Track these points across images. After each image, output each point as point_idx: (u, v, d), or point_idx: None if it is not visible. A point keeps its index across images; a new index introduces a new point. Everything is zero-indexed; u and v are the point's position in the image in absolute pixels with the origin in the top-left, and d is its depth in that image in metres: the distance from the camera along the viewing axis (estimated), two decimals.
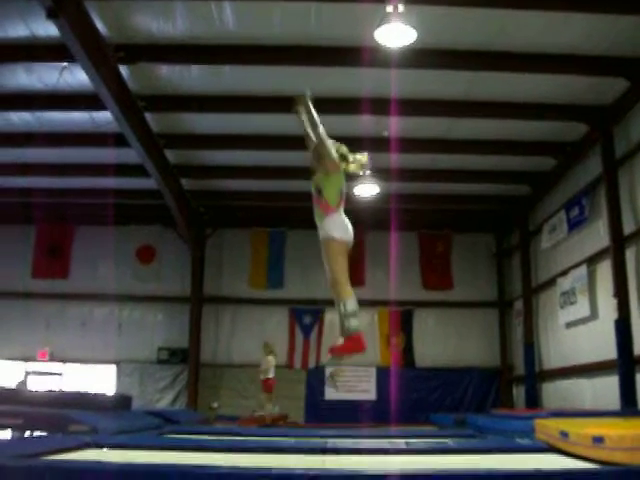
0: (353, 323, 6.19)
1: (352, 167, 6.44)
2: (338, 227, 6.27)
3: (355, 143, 14.58)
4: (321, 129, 6.18)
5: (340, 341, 6.25)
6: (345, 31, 10.98)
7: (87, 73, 11.25)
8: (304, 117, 6.59)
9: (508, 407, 18.73)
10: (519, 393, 19.14)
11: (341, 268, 6.31)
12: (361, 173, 6.75)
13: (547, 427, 8.07)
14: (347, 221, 6.37)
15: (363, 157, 6.49)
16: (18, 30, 10.94)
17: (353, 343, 6.20)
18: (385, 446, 8.13)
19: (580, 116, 13.73)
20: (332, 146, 6.29)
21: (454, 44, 11.35)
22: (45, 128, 14.42)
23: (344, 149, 6.47)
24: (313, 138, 6.43)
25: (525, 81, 12.48)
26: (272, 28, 11.03)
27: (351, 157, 6.42)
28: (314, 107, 6.27)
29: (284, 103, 13.38)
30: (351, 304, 6.21)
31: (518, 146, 15.39)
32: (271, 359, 15.72)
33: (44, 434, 8.97)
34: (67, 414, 9.34)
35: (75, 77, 12.12)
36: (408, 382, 19.35)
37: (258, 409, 16.68)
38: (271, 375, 15.61)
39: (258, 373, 16.07)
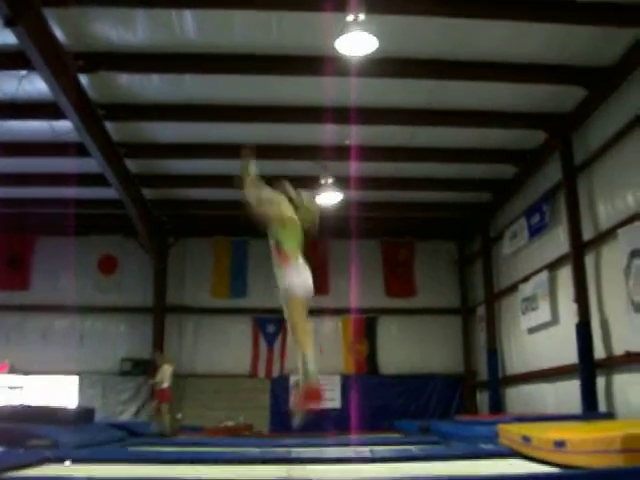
0: (311, 373, 6.12)
1: (306, 218, 6.48)
2: (297, 282, 6.23)
3: (317, 151, 14.77)
4: (266, 192, 6.24)
5: (301, 393, 6.18)
6: (306, 40, 10.99)
7: (46, 82, 11.10)
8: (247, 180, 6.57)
9: (472, 413, 18.85)
10: (483, 399, 19.28)
11: (301, 320, 6.30)
12: (316, 222, 6.73)
13: (510, 432, 8.15)
14: (307, 273, 6.32)
15: (312, 204, 6.52)
16: None
17: (310, 394, 6.12)
18: (350, 455, 8.15)
19: (540, 124, 13.90)
20: (280, 200, 6.30)
21: (416, 53, 11.41)
22: (4, 137, 14.21)
23: (291, 192, 6.47)
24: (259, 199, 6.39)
25: (487, 90, 12.61)
26: (233, 37, 11.00)
27: (301, 197, 6.42)
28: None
29: (245, 112, 13.49)
30: (311, 360, 6.12)
31: (480, 154, 15.53)
32: (167, 367, 15.38)
33: (3, 449, 8.81)
34: (27, 428, 9.21)
35: (34, 86, 11.94)
36: (372, 389, 19.38)
37: (224, 419, 16.62)
38: (166, 385, 15.23)
39: (153, 384, 15.60)
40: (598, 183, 12.66)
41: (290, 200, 6.41)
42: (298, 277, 6.24)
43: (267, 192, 6.27)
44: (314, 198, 6.47)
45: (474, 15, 10.36)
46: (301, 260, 6.33)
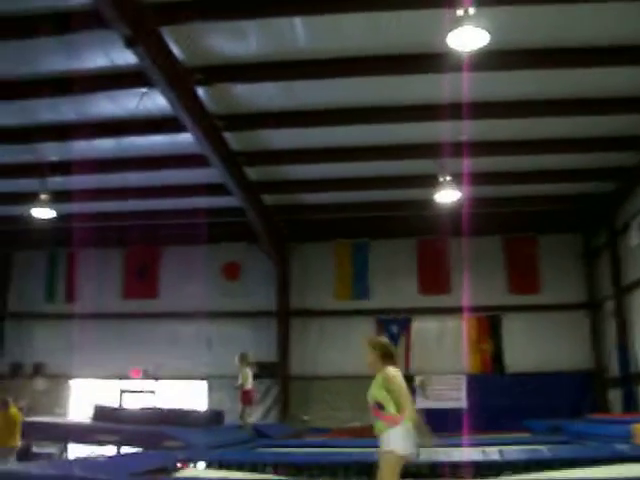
0: None
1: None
2: (400, 440, 6.02)
3: (434, 149, 14.63)
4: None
5: None
6: (416, 38, 10.93)
7: (166, 97, 11.56)
8: None
9: (603, 411, 18.17)
10: (615, 397, 18.54)
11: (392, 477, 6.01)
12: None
13: None
14: (411, 432, 6.08)
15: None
16: (98, 60, 11.31)
17: None
18: (478, 457, 8.04)
19: None
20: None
21: (527, 43, 11.14)
22: (130, 153, 14.86)
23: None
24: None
25: (602, 75, 12.12)
26: (343, 40, 11.07)
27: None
28: None
29: (359, 114, 13.55)
30: None
31: (599, 142, 14.97)
32: (248, 371, 15.26)
33: (140, 450, 9.20)
34: (162, 430, 9.57)
35: (154, 102, 12.44)
36: (499, 388, 19.00)
37: (349, 420, 16.72)
38: (249, 386, 15.09)
39: (236, 387, 15.42)
40: None
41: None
42: (402, 435, 6.04)
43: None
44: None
45: None
46: (409, 422, 6.08)
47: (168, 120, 12.97)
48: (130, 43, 9.90)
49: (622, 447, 8.33)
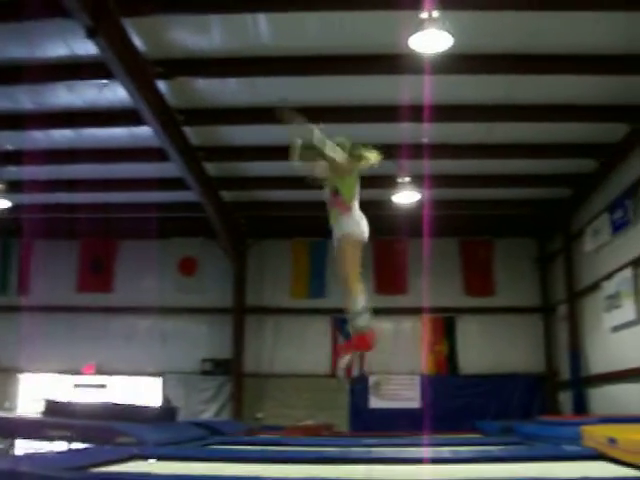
0: (361, 321, 6.27)
1: (362, 165, 6.56)
2: (354, 223, 6.61)
3: (393, 150, 14.71)
4: (322, 139, 6.34)
5: (352, 340, 6.38)
6: (380, 39, 10.98)
7: (126, 89, 11.43)
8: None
9: (555, 413, 18.46)
10: (565, 399, 18.86)
11: (354, 264, 6.68)
12: (371, 163, 6.77)
13: (595, 434, 7.96)
14: (362, 217, 6.71)
15: (373, 155, 6.60)
16: (58, 49, 11.16)
17: (359, 341, 6.28)
18: (431, 455, 8.08)
19: (621, 116, 13.52)
20: (338, 151, 6.40)
21: (490, 48, 11.28)
22: (87, 144, 14.67)
23: (357, 149, 6.58)
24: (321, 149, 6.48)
25: (564, 83, 12.34)
26: (307, 38, 11.09)
27: (364, 152, 6.54)
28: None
29: (320, 113, 13.54)
30: (360, 302, 6.32)
31: (558, 149, 15.23)
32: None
33: (91, 446, 9.08)
34: (113, 426, 9.46)
35: (115, 94, 12.32)
36: (452, 389, 19.22)
37: (303, 419, 16.72)
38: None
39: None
40: None
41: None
42: (355, 219, 6.63)
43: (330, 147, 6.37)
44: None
45: (549, 7, 10.17)
46: (357, 204, 6.69)
47: (128, 112, 12.85)
48: (91, 34, 9.77)
49: (570, 448, 8.45)
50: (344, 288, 6.45)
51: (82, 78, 12.02)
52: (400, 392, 19.32)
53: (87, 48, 10.62)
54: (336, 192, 6.65)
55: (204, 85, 12.68)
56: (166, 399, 15.40)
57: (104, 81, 11.93)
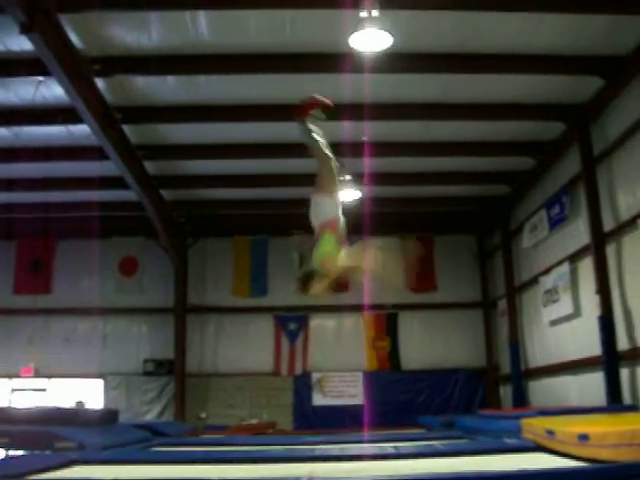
0: None
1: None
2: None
3: (334, 149, 14.70)
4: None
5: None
6: (320, 37, 11.00)
7: (63, 87, 11.18)
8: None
9: (496, 407, 18.78)
10: (506, 392, 19.20)
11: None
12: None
13: (534, 426, 8.13)
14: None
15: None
16: None
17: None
18: (374, 451, 8.15)
19: (557, 115, 13.81)
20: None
21: (430, 47, 11.38)
22: (23, 143, 14.33)
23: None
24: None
25: (501, 82, 12.54)
26: (247, 36, 11.03)
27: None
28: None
29: (261, 111, 13.55)
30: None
31: (497, 147, 15.47)
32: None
33: (30, 452, 8.90)
34: (53, 431, 9.29)
35: (52, 91, 12.06)
36: (395, 385, 19.39)
37: (247, 418, 16.68)
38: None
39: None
40: (618, 173, 12.56)
41: None
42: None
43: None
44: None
45: (487, 7, 10.33)
46: None
47: (65, 110, 12.59)
48: (26, 30, 9.52)
49: (510, 441, 8.61)
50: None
51: (17, 75, 11.74)
52: (343, 389, 19.41)
53: (22, 44, 10.38)
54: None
55: (143, 83, 12.51)
56: (80, 404, 15.11)
57: (40, 78, 11.67)
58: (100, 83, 12.14)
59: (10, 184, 16.69)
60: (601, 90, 12.49)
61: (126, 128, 13.89)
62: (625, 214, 12.22)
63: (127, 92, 12.75)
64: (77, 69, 11.01)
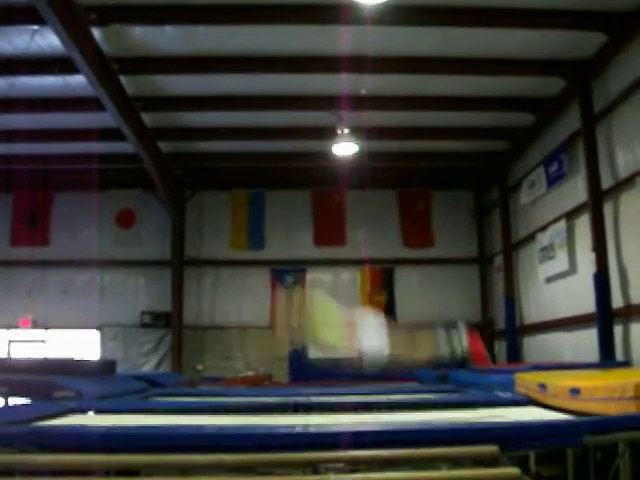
0: None
1: None
2: None
3: (332, 102, 14.63)
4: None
5: None
6: None
7: (58, 36, 11.03)
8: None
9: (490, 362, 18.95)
10: (500, 348, 19.38)
11: None
12: None
13: (527, 380, 8.21)
14: None
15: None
16: None
17: None
18: (368, 402, 8.25)
19: (558, 71, 13.69)
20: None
21: (428, 0, 11.25)
22: (18, 93, 14.20)
23: None
24: None
25: (501, 36, 12.42)
26: None
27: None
28: None
29: (261, 63, 13.42)
30: None
31: (496, 102, 15.38)
32: None
33: (29, 401, 8.99)
34: (52, 380, 9.36)
35: (47, 40, 11.90)
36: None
37: (243, 370, 16.83)
38: None
39: None
40: (617, 131, 12.50)
41: None
42: None
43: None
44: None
45: None
46: None
47: (61, 60, 12.45)
48: None
49: (503, 395, 8.71)
50: None
51: (13, 24, 11.59)
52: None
53: None
54: None
55: (140, 33, 12.37)
56: None
57: (35, 27, 11.52)
58: (97, 33, 11.98)
59: (6, 136, 16.58)
60: (604, 46, 12.35)
61: (123, 79, 13.77)
62: (624, 172, 12.20)
63: (124, 42, 12.61)
64: (73, 18, 10.85)
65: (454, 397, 9.52)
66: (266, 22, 11.86)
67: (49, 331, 19.51)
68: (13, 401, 9.56)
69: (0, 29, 11.85)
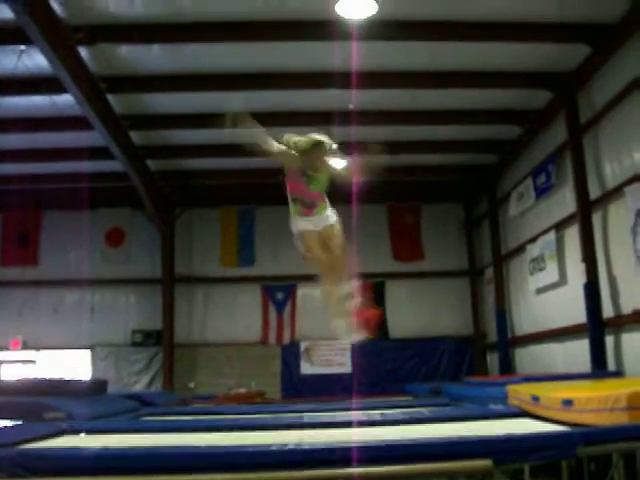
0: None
1: (342, 173, 7.32)
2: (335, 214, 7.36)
3: (320, 117, 14.67)
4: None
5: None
6: (306, 5, 10.90)
7: (46, 56, 11.03)
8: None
9: (482, 374, 18.95)
10: (493, 360, 19.38)
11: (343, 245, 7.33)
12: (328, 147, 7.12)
13: (519, 392, 8.22)
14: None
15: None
16: None
17: (369, 314, 7.03)
18: (361, 418, 8.23)
19: (544, 83, 13.77)
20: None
21: (415, 15, 11.29)
22: (6, 113, 14.16)
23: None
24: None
25: (488, 50, 12.49)
26: (233, 5, 10.93)
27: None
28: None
29: (247, 80, 13.45)
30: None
31: (483, 115, 15.44)
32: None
33: (20, 422, 8.93)
34: (42, 401, 9.32)
35: (34, 60, 11.89)
36: (382, 353, 19.48)
37: (234, 387, 16.76)
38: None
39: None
40: (604, 142, 12.58)
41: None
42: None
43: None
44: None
45: None
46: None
47: (48, 80, 12.43)
48: None
49: (496, 407, 8.71)
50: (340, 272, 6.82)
51: None
52: (331, 357, 19.52)
53: (3, 12, 10.23)
54: (316, 188, 7.20)
55: (127, 52, 12.37)
56: None
57: (22, 47, 11.52)
58: (84, 52, 11.98)
59: None
60: (588, 58, 12.44)
61: (111, 98, 13.76)
62: (611, 182, 12.27)
63: (111, 61, 12.61)
64: (60, 37, 10.86)
65: (447, 411, 9.53)
66: (253, 39, 11.90)
67: (40, 352, 19.37)
68: (3, 423, 9.50)
69: None
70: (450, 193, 20.66)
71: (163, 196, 19.16)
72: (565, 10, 11.17)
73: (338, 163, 7.08)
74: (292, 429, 7.46)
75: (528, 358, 16.82)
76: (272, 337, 19.72)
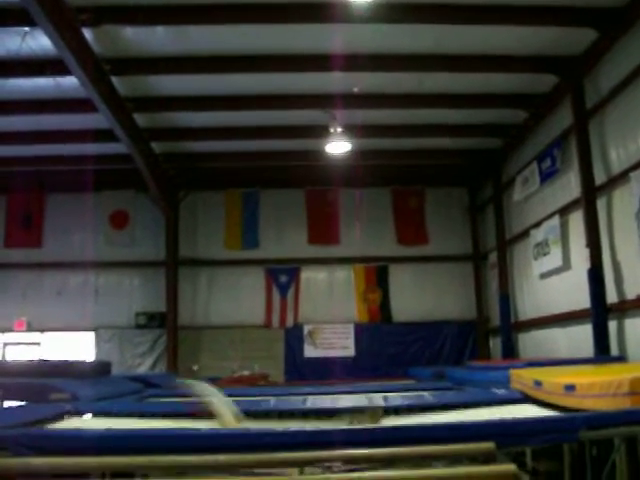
0: None
1: None
2: None
3: (326, 100, 14.63)
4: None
5: None
6: None
7: (50, 38, 10.99)
8: None
9: (485, 358, 18.98)
10: (496, 344, 19.40)
11: None
12: None
13: (522, 377, 8.22)
14: None
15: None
16: None
17: None
18: (364, 403, 8.24)
19: (550, 67, 13.70)
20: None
21: None
22: (10, 95, 14.15)
23: None
24: None
25: (494, 34, 12.43)
26: None
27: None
28: None
29: (253, 62, 13.38)
30: None
31: (489, 99, 15.38)
32: None
33: (24, 404, 8.97)
34: (47, 383, 9.34)
35: (38, 42, 11.85)
36: (386, 337, 19.54)
37: (238, 369, 16.81)
38: None
39: None
40: (610, 127, 12.52)
41: None
42: None
43: None
44: None
45: None
46: None
47: (52, 62, 12.40)
48: None
49: (499, 392, 8.72)
50: None
51: (4, 26, 11.54)
52: (334, 341, 19.57)
53: None
54: None
55: (132, 33, 12.33)
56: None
57: (26, 29, 11.47)
58: (88, 34, 11.93)
59: (0, 137, 16.52)
60: (595, 42, 12.37)
61: (115, 80, 13.72)
62: (616, 168, 12.22)
63: (116, 43, 12.57)
64: (64, 19, 10.81)
65: (450, 395, 9.54)
66: (258, 21, 11.84)
67: (44, 334, 19.44)
68: (8, 404, 9.54)
69: None
70: (455, 177, 20.62)
71: (167, 179, 19.15)
72: None
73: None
74: (295, 413, 7.49)
75: (531, 343, 16.84)
76: (275, 320, 19.76)
